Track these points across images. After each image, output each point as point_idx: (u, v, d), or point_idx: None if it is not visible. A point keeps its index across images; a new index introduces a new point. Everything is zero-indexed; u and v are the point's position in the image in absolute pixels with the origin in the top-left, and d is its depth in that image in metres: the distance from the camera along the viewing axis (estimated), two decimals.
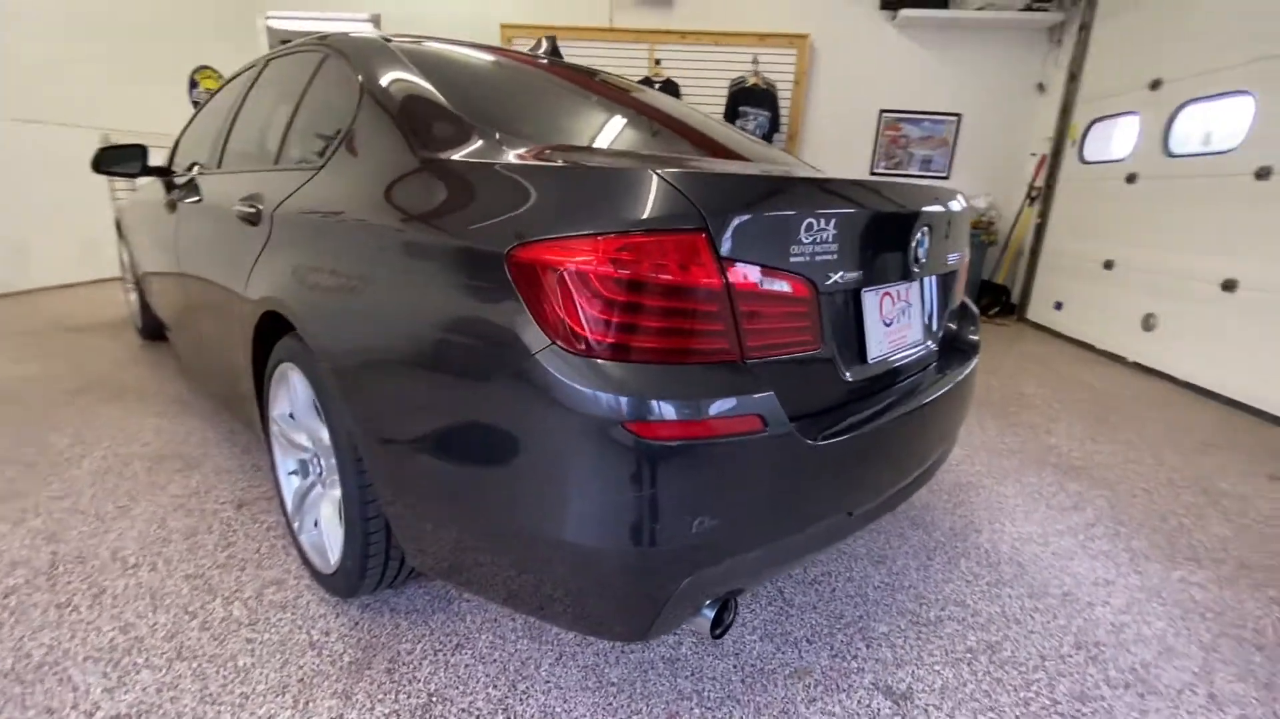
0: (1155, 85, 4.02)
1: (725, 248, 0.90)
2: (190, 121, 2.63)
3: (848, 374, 1.13)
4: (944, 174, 5.82)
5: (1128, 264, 4.17)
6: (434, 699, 1.23)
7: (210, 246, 1.83)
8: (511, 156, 1.06)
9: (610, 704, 1.24)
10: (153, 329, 3.33)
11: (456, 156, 1.10)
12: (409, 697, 1.24)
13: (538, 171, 0.97)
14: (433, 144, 1.16)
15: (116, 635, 1.35)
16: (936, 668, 1.38)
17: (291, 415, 1.55)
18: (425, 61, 1.45)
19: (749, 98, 5.45)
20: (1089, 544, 1.90)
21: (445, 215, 1.02)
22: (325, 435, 1.42)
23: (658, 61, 5.67)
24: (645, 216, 0.87)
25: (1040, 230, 5.29)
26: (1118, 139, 4.46)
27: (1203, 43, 3.66)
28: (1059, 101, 5.09)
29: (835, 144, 5.77)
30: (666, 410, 0.86)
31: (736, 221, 0.91)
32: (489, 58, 1.69)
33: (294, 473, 1.65)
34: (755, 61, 5.53)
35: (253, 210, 1.53)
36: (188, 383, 2.85)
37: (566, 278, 0.87)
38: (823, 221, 1.00)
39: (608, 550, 0.90)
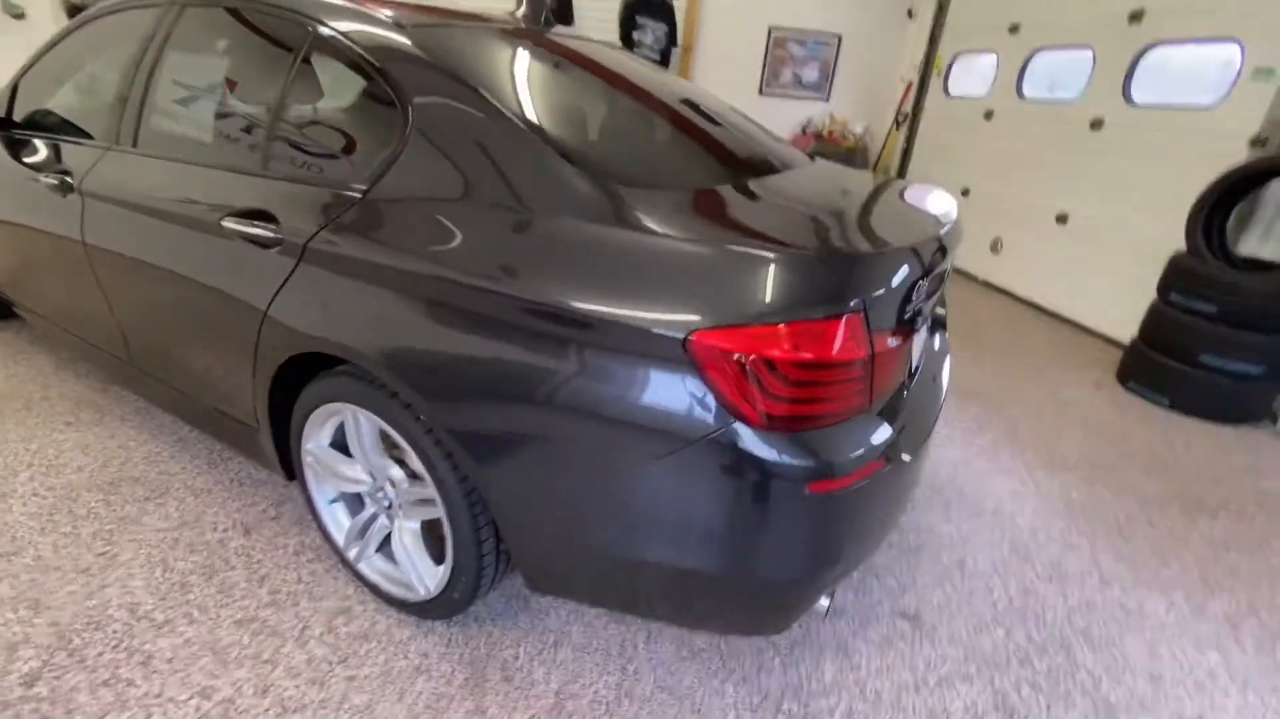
0: (1014, 29, 4.51)
1: (873, 320, 1.03)
2: (31, 64, 2.03)
3: (905, 391, 1.35)
4: (824, 96, 6.10)
5: (981, 192, 4.84)
6: (561, 697, 1.38)
7: (175, 251, 1.54)
8: (653, 223, 1.05)
9: (707, 668, 1.47)
10: None
11: (594, 222, 1.07)
12: (538, 698, 1.37)
13: (709, 255, 1.00)
14: (551, 202, 1.10)
15: (201, 703, 1.30)
16: (929, 588, 1.77)
17: (340, 450, 1.47)
18: (472, 68, 1.30)
19: (645, 8, 5.20)
20: (998, 462, 2.43)
21: (602, 291, 1.02)
22: (396, 473, 1.40)
23: None
24: (819, 303, 0.96)
25: (906, 155, 5.85)
26: (978, 76, 4.97)
27: None
28: (928, 30, 5.49)
29: (727, 61, 5.76)
30: (832, 468, 1.02)
31: (880, 295, 1.03)
32: (522, 50, 1.54)
33: (335, 502, 1.59)
34: None
35: (270, 235, 1.32)
36: (88, 375, 2.41)
37: (749, 364, 0.96)
38: (921, 280, 1.15)
39: (782, 578, 1.08)
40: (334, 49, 1.38)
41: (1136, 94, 3.60)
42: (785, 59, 5.88)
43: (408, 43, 1.32)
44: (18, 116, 2.08)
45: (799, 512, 1.03)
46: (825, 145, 5.86)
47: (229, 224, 1.38)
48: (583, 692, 1.40)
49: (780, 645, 1.55)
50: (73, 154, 1.81)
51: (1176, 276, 2.93)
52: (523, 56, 1.53)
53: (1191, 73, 3.36)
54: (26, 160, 1.96)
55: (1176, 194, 3.29)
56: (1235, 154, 3.02)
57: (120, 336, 1.88)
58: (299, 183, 1.35)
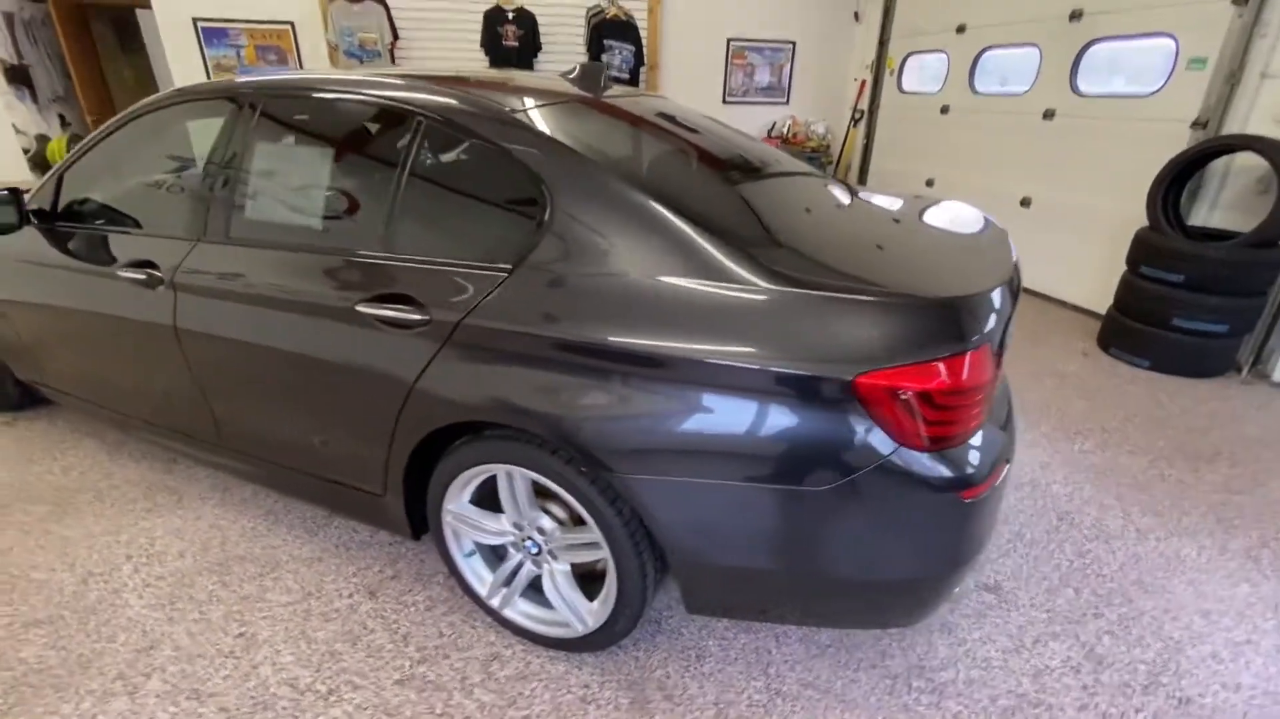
0: (961, 30, 4.85)
1: (996, 345, 1.21)
2: (73, 160, 2.02)
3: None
4: (784, 100, 6.37)
5: (946, 182, 5.18)
6: (720, 705, 1.52)
7: (296, 337, 1.59)
8: (797, 279, 1.20)
9: (838, 661, 1.64)
10: (13, 398, 2.62)
11: (744, 284, 1.20)
12: (701, 711, 1.50)
13: (863, 306, 1.15)
14: (700, 269, 1.24)
15: None
16: (999, 561, 1.99)
17: (486, 507, 1.57)
18: (597, 147, 1.43)
19: (612, 30, 5.33)
20: (1021, 437, 2.68)
21: (765, 345, 1.16)
22: (546, 523, 1.51)
23: None
24: (957, 340, 1.13)
25: (867, 151, 6.18)
26: (931, 73, 5.31)
27: None
28: (876, 33, 5.81)
29: (690, 76, 5.95)
30: (977, 475, 1.19)
31: (992, 325, 1.21)
32: (624, 122, 1.65)
33: (471, 555, 1.68)
34: None
35: (414, 317, 1.41)
36: (146, 458, 2.39)
37: (911, 398, 1.12)
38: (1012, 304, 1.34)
39: (939, 574, 1.25)
40: (451, 136, 1.47)
41: (1083, 85, 3.96)
42: (744, 68, 6.12)
43: (536, 127, 1.43)
44: (63, 210, 2.07)
45: (954, 516, 1.20)
46: (790, 147, 6.13)
47: (365, 309, 1.46)
48: (738, 698, 1.54)
49: (892, 632, 1.73)
50: (147, 247, 1.83)
51: (1144, 250, 3.26)
52: (627, 129, 1.64)
53: (1133, 64, 3.72)
54: (81, 252, 1.96)
55: (1129, 174, 3.65)
56: (1179, 136, 3.39)
57: (210, 419, 1.91)
58: (435, 264, 1.43)
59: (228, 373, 1.77)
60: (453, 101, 1.50)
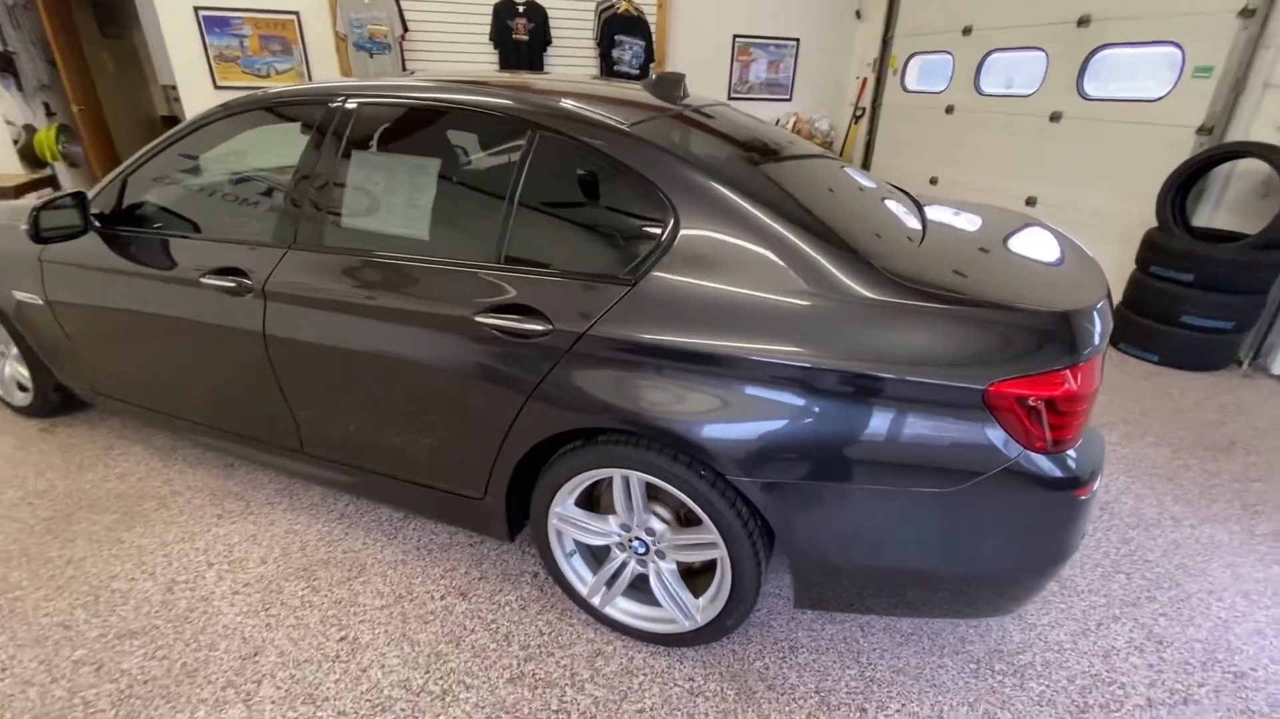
0: (967, 31, 4.97)
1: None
2: (139, 163, 1.98)
3: None
4: (787, 96, 6.45)
5: (950, 180, 5.32)
6: (822, 693, 1.60)
7: (402, 346, 1.60)
8: (921, 290, 1.27)
9: (922, 647, 1.73)
10: (52, 403, 2.57)
11: (873, 295, 1.27)
12: (804, 698, 1.58)
13: (993, 318, 1.22)
14: (827, 282, 1.30)
15: None
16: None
17: (587, 508, 1.62)
18: (711, 163, 1.47)
19: (623, 25, 5.32)
20: None
21: (899, 356, 1.23)
22: (656, 524, 1.57)
23: None
24: (1076, 351, 1.22)
25: (869, 148, 6.29)
26: (935, 73, 5.43)
27: (1006, 0, 4.60)
28: (879, 31, 5.91)
29: (698, 69, 5.97)
30: (1089, 474, 1.29)
31: (1100, 335, 1.30)
32: (728, 135, 1.68)
33: (572, 555, 1.73)
34: None
35: (537, 328, 1.44)
36: (203, 462, 2.36)
37: (1038, 405, 1.20)
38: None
39: (1048, 567, 1.34)
40: (569, 149, 1.50)
41: (1090, 89, 4.11)
42: (749, 64, 6.17)
43: (657, 142, 1.47)
44: (126, 214, 2.03)
45: (1066, 513, 1.29)
46: None
47: (484, 320, 1.49)
48: (836, 686, 1.62)
49: (969, 620, 1.83)
50: (231, 254, 1.81)
51: (1155, 251, 3.43)
52: (728, 142, 1.67)
53: (1140, 69, 3.88)
54: (152, 258, 1.94)
55: (1135, 176, 3.82)
56: (1185, 141, 3.55)
57: (292, 426, 1.91)
58: (556, 275, 1.47)
59: (319, 381, 1.78)
60: (570, 114, 1.52)
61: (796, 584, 1.48)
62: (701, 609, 1.59)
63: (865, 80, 6.23)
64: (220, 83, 4.92)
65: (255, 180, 1.97)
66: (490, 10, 5.16)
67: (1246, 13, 3.20)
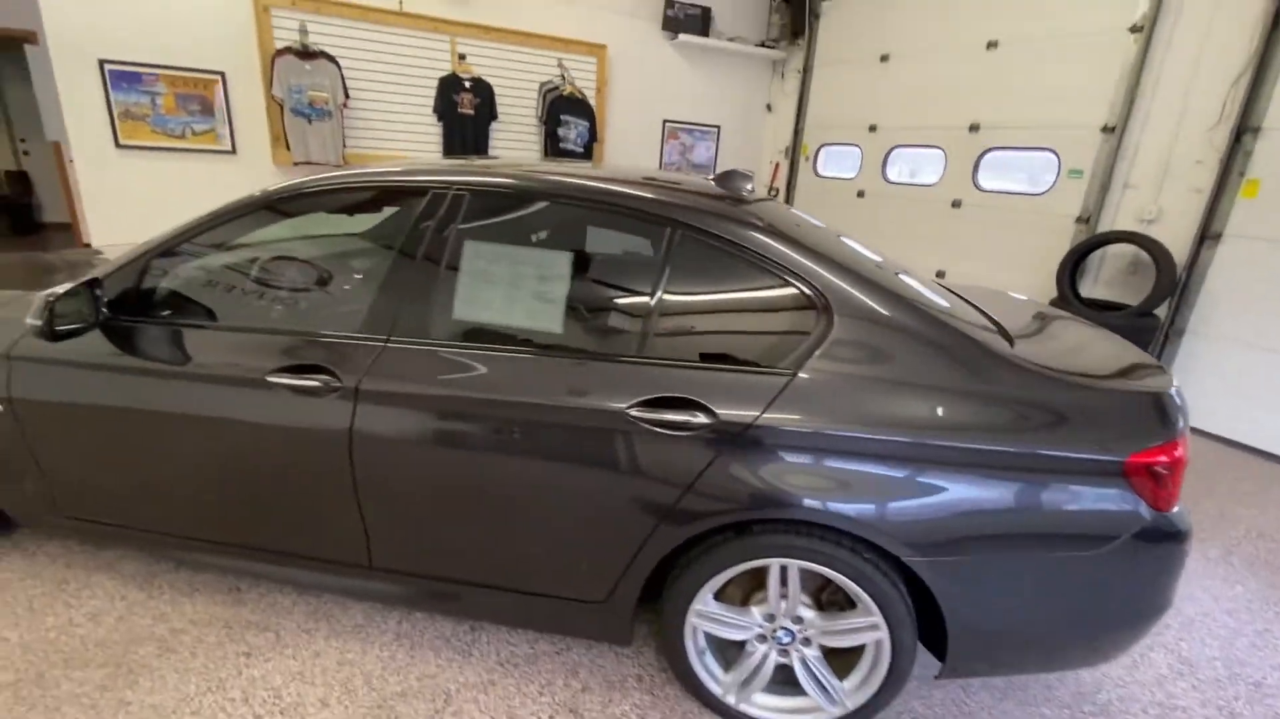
0: (873, 129, 5.72)
1: None
2: (166, 247, 1.72)
3: None
4: (711, 174, 6.93)
5: None
6: None
7: (531, 445, 1.50)
8: (1056, 376, 1.45)
9: (1020, 699, 1.85)
10: None
11: (1022, 381, 1.41)
12: None
13: (1125, 394, 1.42)
14: (978, 369, 1.43)
15: None
16: None
17: (751, 605, 1.60)
18: (844, 257, 1.57)
19: (568, 106, 5.50)
20: None
21: (1050, 434, 1.38)
22: (807, 612, 1.57)
23: (462, 57, 5.19)
24: (1182, 422, 1.44)
25: None
26: (845, 162, 6.15)
27: (906, 105, 5.38)
28: (791, 123, 6.61)
29: (632, 149, 6.29)
30: (1190, 529, 1.49)
31: None
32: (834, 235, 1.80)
33: (703, 652, 1.66)
34: (562, 66, 5.56)
35: (698, 421, 1.42)
36: (201, 590, 1.96)
37: (1163, 470, 1.40)
38: None
39: (1152, 617, 1.51)
40: (712, 245, 1.55)
41: (984, 182, 4.88)
42: (678, 146, 6.60)
43: (802, 239, 1.56)
44: (143, 302, 1.75)
45: (1177, 564, 1.48)
46: None
47: (640, 414, 1.45)
48: None
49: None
50: (303, 349, 1.62)
51: None
52: (834, 236, 1.80)
53: (1027, 167, 4.68)
54: (184, 353, 1.67)
55: (1029, 253, 4.54)
56: (1067, 228, 4.31)
57: (361, 538, 1.70)
58: (712, 368, 1.48)
59: (416, 487, 1.61)
60: (713, 211, 1.58)
61: (952, 656, 1.54)
62: (850, 694, 1.59)
63: (778, 164, 6.89)
64: (123, 141, 4.38)
65: (323, 267, 1.79)
66: (435, 83, 5.13)
67: (1107, 129, 4.03)
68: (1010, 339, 1.63)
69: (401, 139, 5.20)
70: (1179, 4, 3.69)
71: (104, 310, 1.70)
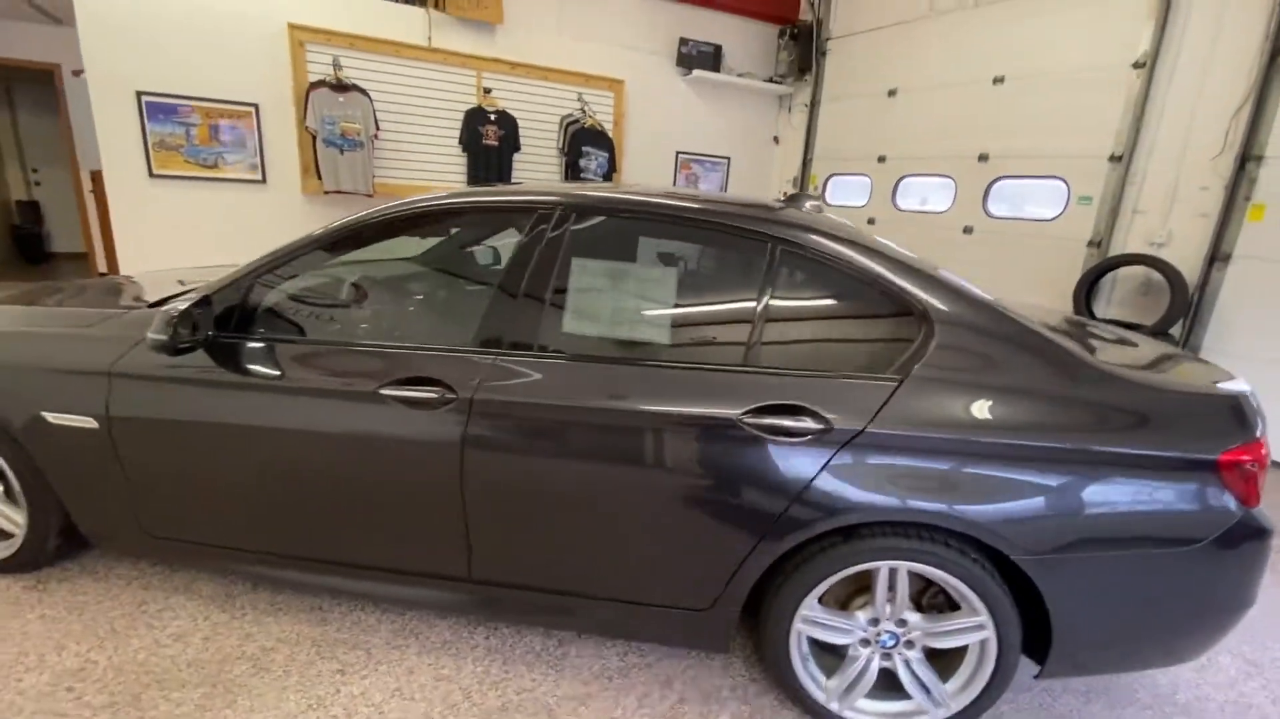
0: (881, 159, 5.93)
1: None
2: (273, 264, 1.77)
3: None
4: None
5: None
6: None
7: (635, 453, 1.56)
8: (1146, 379, 1.53)
9: (1105, 702, 1.88)
10: (48, 553, 2.03)
11: (1114, 386, 1.50)
12: None
13: (1208, 397, 1.51)
14: (1077, 371, 1.51)
15: None
16: None
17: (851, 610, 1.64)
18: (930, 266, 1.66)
19: (589, 138, 5.66)
20: None
21: (1149, 434, 1.45)
22: (912, 615, 1.60)
23: (487, 91, 5.34)
24: (1259, 422, 1.52)
25: None
26: (855, 190, 6.34)
27: (915, 137, 5.60)
28: (799, 154, 6.83)
29: (648, 179, 6.45)
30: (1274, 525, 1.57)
31: None
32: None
33: (807, 659, 1.68)
34: (582, 100, 5.74)
35: (812, 427, 1.48)
36: (282, 608, 1.95)
37: (1253, 469, 1.47)
38: None
39: (1240, 611, 1.56)
40: (813, 260, 1.63)
41: (995, 209, 5.07)
42: (690, 176, 6.78)
43: (898, 257, 1.66)
44: (246, 319, 1.78)
45: (1264, 560, 1.55)
46: None
47: (754, 420, 1.50)
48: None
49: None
50: (414, 361, 1.66)
51: None
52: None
53: (1037, 194, 4.88)
54: (292, 369, 1.70)
55: (1042, 277, 4.70)
56: (1079, 252, 4.49)
57: (463, 550, 1.71)
58: (820, 375, 1.54)
59: (525, 498, 1.64)
60: (813, 227, 1.67)
61: (1054, 656, 1.58)
62: (955, 696, 1.62)
63: (786, 194, 7.09)
64: (157, 170, 4.44)
65: (430, 283, 1.84)
66: (461, 116, 5.27)
67: (1114, 158, 4.23)
68: (1089, 347, 1.72)
69: (429, 169, 5.30)
70: (1179, 42, 3.93)
71: (211, 327, 1.73)
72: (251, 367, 1.72)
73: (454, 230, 1.84)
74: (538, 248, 1.69)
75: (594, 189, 1.79)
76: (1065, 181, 4.56)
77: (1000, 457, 1.46)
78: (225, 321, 1.76)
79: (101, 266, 6.15)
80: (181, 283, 2.30)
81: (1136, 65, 4.08)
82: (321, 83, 4.62)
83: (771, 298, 1.62)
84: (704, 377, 1.58)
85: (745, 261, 1.67)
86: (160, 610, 1.97)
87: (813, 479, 1.50)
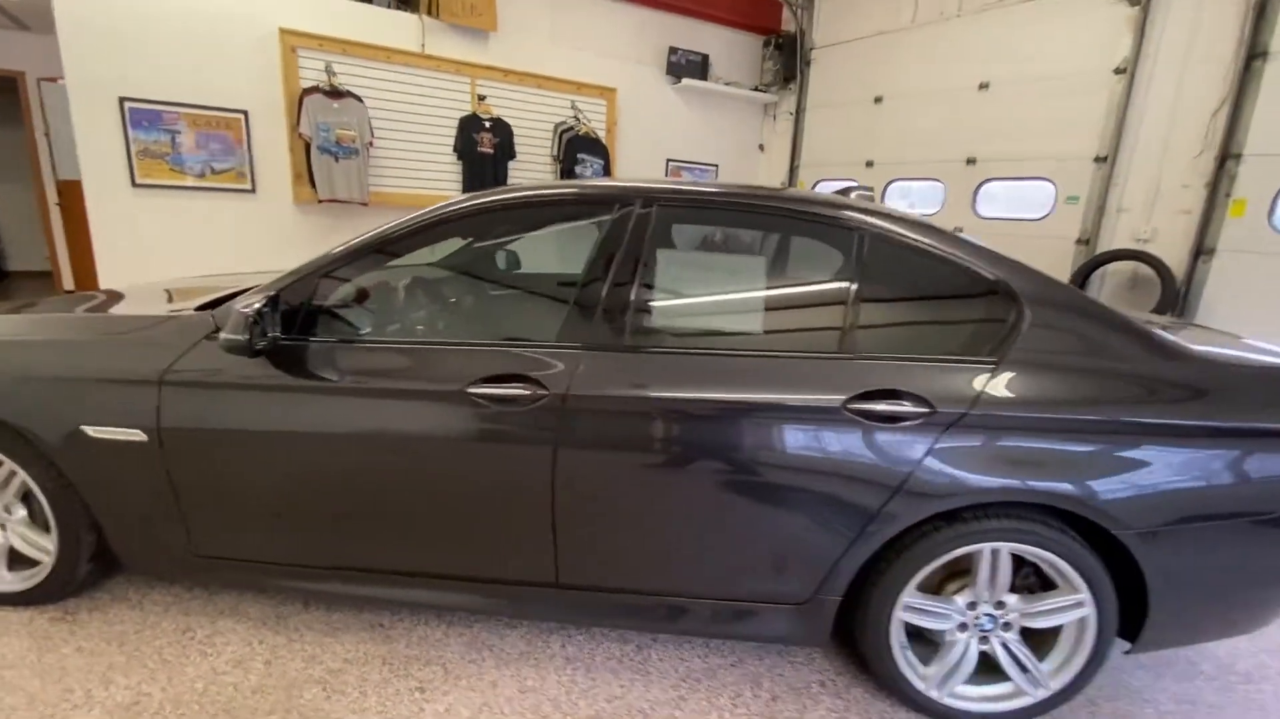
0: (869, 164, 6.08)
1: None
2: (338, 261, 1.68)
3: None
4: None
5: None
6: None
7: (737, 443, 1.53)
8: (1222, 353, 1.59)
9: (1175, 675, 1.92)
10: (78, 580, 1.87)
11: (1195, 365, 1.55)
12: None
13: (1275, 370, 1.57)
14: (1163, 348, 1.56)
15: None
16: None
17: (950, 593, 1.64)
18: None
19: (584, 145, 5.64)
20: None
21: (1230, 406, 1.50)
22: (1009, 596, 1.61)
23: (482, 98, 5.28)
24: None
25: None
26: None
27: (902, 142, 5.76)
28: (786, 160, 6.95)
29: None
30: None
31: None
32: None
33: (904, 648, 1.67)
34: (575, 108, 5.72)
35: (916, 410, 1.48)
36: (344, 628, 1.83)
37: None
38: None
39: None
40: (901, 249, 1.64)
41: (983, 210, 5.24)
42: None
43: (983, 246, 1.68)
44: (310, 319, 1.69)
45: None
46: None
47: (857, 406, 1.50)
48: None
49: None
50: (498, 359, 1.60)
51: None
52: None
53: (1024, 194, 5.06)
54: (367, 370, 1.62)
55: None
56: (1068, 249, 4.67)
57: (549, 554, 1.65)
58: (917, 360, 1.54)
59: (622, 496, 1.59)
60: (900, 218, 1.68)
61: (1148, 630, 1.60)
62: (1054, 675, 1.63)
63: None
64: (140, 179, 4.22)
65: (506, 279, 1.78)
66: (456, 123, 5.18)
67: (1099, 159, 4.43)
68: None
69: (423, 178, 5.20)
70: (1156, 48, 4.16)
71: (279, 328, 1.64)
72: (324, 369, 1.63)
73: (530, 224, 1.79)
74: (625, 240, 1.65)
75: (681, 183, 1.77)
76: (1052, 182, 4.75)
77: (1101, 433, 1.49)
78: (289, 322, 1.67)
79: (68, 284, 5.81)
80: (169, 293, 2.18)
81: (1118, 71, 4.29)
82: (315, 88, 4.48)
83: (863, 285, 1.62)
84: (802, 365, 1.57)
85: (834, 251, 1.67)
86: (209, 636, 1.84)
87: (919, 463, 1.50)
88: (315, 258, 1.70)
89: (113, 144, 4.12)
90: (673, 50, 6.25)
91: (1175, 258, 4.15)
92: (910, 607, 1.62)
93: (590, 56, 5.84)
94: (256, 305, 1.51)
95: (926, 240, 1.64)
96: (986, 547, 1.56)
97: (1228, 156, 3.88)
